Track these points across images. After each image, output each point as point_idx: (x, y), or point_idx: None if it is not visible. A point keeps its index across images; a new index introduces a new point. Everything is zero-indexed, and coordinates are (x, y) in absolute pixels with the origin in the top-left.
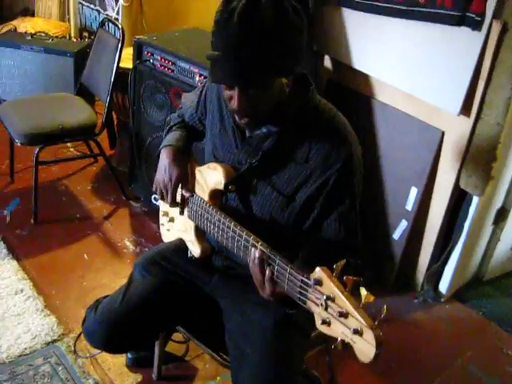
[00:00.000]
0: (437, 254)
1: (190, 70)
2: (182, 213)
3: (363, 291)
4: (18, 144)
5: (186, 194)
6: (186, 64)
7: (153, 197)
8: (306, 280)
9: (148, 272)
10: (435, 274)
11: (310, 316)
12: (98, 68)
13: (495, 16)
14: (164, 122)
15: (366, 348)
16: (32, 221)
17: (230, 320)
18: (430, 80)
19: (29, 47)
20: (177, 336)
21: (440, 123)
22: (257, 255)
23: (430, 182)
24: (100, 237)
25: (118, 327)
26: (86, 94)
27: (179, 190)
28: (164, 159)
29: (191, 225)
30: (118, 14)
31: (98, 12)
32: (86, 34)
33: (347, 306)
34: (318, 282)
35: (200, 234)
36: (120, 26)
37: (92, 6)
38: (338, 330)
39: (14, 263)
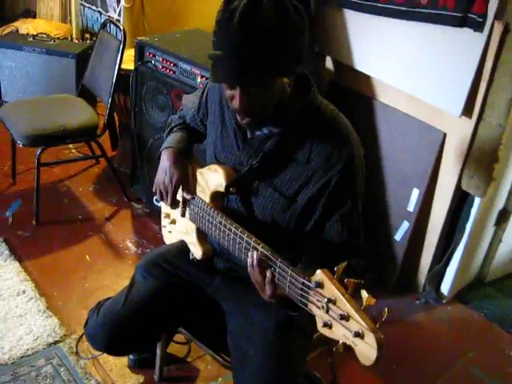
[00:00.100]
0: (438, 255)
1: (192, 72)
2: (183, 215)
3: (364, 294)
4: (20, 145)
5: (187, 196)
6: (187, 65)
7: (154, 198)
8: (307, 283)
9: (150, 274)
10: (437, 275)
11: (312, 318)
12: (99, 69)
13: (497, 17)
14: (165, 124)
15: (367, 351)
16: (34, 222)
17: (232, 322)
18: (432, 81)
19: (31, 49)
20: (178, 337)
21: (442, 124)
22: (255, 257)
23: (431, 183)
24: (102, 238)
25: (120, 330)
26: (87, 95)
27: (180, 191)
28: (165, 161)
29: (193, 227)
30: (119, 15)
31: (100, 13)
32: (87, 35)
33: (348, 308)
34: (320, 285)
35: (202, 236)
36: (121, 28)
37: (94, 7)
38: (340, 333)
39: (16, 264)
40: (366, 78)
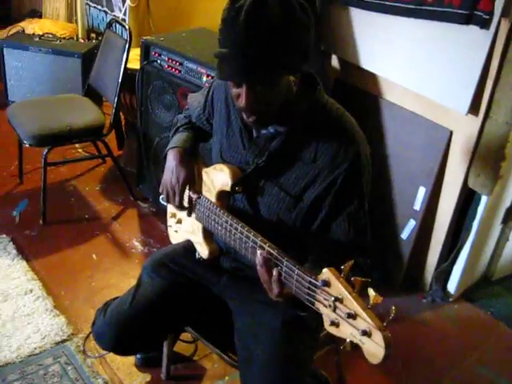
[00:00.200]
0: (445, 253)
1: (198, 71)
2: (189, 214)
3: (371, 292)
4: (27, 145)
5: (194, 196)
6: (193, 64)
7: (161, 197)
8: (313, 281)
9: (156, 274)
10: (443, 273)
11: (319, 317)
12: (105, 69)
13: (504, 14)
14: (171, 123)
15: (374, 349)
16: (41, 221)
17: (239, 321)
18: (438, 79)
19: (37, 49)
20: (185, 336)
21: (448, 122)
22: (261, 256)
23: (438, 181)
24: (108, 237)
25: (127, 329)
26: (93, 94)
27: (186, 191)
28: (171, 161)
29: (199, 226)
30: (125, 14)
31: (105, 13)
32: (93, 34)
33: (355, 307)
34: (326, 283)
35: (208, 235)
36: (127, 27)
37: (99, 6)
38: (347, 332)
39: (24, 264)
40: (372, 77)
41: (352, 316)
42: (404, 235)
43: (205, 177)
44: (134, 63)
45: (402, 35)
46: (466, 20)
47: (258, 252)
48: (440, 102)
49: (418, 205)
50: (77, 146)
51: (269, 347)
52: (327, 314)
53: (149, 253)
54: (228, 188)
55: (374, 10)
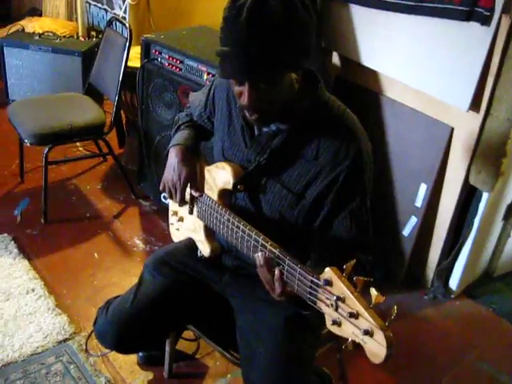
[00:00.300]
0: (447, 250)
1: (198, 69)
2: (191, 212)
3: (373, 291)
4: (28, 144)
5: (195, 194)
6: (193, 62)
7: (162, 195)
8: (315, 280)
9: (158, 272)
10: (445, 270)
11: (321, 315)
12: (106, 67)
13: (504, 11)
14: (172, 121)
15: (376, 349)
16: (42, 220)
17: (241, 318)
18: (439, 76)
19: (37, 47)
20: (187, 334)
21: (449, 119)
22: (261, 258)
23: (439, 178)
24: (110, 236)
25: (128, 328)
26: (94, 93)
27: (188, 189)
28: (173, 158)
29: (200, 224)
30: (125, 12)
31: (106, 11)
32: (93, 33)
33: (357, 306)
34: (328, 283)
35: (209, 233)
36: (127, 25)
37: (99, 4)
38: (349, 331)
39: (25, 263)
40: (373, 74)
41: (354, 315)
42: (405, 232)
43: (207, 175)
44: (135, 61)
45: (402, 32)
46: (467, 17)
47: (258, 254)
48: (441, 98)
49: (419, 202)
50: (78, 144)
51: (271, 345)
52: (329, 313)
53: (150, 251)
54: (230, 186)
55: (375, 6)
